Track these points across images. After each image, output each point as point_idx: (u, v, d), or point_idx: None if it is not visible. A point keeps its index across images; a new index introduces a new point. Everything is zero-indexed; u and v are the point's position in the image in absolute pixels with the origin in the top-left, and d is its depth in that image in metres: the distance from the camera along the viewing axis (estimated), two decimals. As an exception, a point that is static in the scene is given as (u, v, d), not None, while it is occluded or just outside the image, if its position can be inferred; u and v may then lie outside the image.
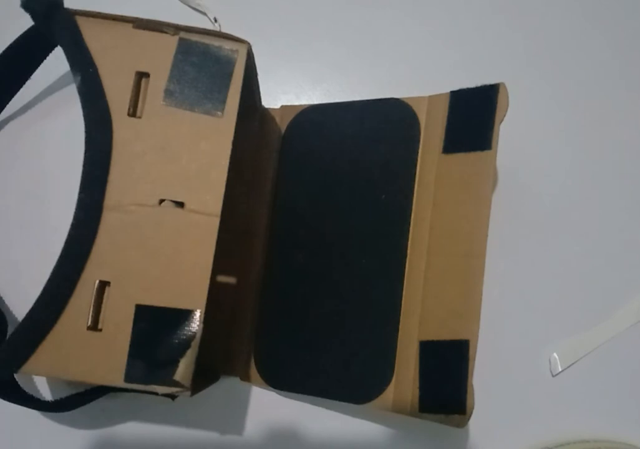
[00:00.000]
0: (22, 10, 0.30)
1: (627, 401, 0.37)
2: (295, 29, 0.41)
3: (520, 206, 0.39)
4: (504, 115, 0.30)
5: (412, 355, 0.31)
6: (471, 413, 0.28)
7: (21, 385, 0.31)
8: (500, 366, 0.36)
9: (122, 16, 0.28)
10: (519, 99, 0.34)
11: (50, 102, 0.39)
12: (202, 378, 0.31)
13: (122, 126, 0.27)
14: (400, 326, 0.32)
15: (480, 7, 0.42)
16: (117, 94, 0.28)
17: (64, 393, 0.33)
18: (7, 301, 0.35)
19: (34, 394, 0.32)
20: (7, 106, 0.37)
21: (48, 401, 0.32)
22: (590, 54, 0.41)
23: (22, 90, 0.37)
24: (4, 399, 0.30)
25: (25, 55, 0.36)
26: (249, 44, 0.29)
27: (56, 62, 0.39)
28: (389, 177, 0.34)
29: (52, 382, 0.35)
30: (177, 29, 0.29)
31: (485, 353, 0.32)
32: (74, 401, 0.32)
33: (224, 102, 0.28)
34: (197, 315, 0.26)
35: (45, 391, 0.35)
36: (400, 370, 0.31)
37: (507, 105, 0.30)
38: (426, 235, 0.32)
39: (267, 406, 0.36)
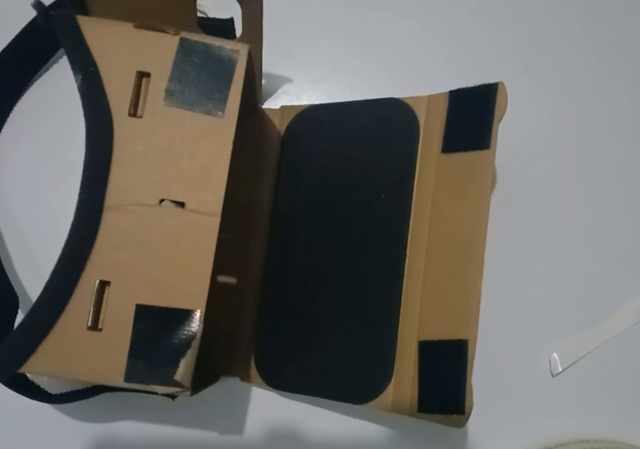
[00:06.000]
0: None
1: (627, 401, 0.37)
2: (295, 29, 0.41)
3: (519, 205, 0.39)
4: (503, 114, 0.30)
5: (412, 355, 0.31)
6: (470, 413, 0.28)
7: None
8: (500, 366, 0.36)
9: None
10: (517, 98, 0.34)
11: (51, 102, 0.39)
12: (202, 378, 0.31)
13: (122, 126, 0.27)
14: (400, 326, 0.32)
15: (479, 7, 0.42)
16: (117, 94, 0.28)
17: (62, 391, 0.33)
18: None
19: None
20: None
21: (56, 394, 0.32)
22: (589, 53, 0.41)
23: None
24: (17, 391, 0.30)
25: (33, 52, 0.36)
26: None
27: (57, 61, 0.40)
28: (388, 176, 0.34)
29: (51, 381, 0.34)
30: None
31: (484, 353, 0.32)
32: (73, 396, 0.32)
33: (224, 102, 0.28)
34: (197, 315, 0.26)
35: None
36: (399, 369, 0.31)
37: (506, 105, 0.30)
38: (425, 234, 0.32)
39: (267, 406, 0.36)
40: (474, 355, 0.28)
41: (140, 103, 0.28)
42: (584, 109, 0.40)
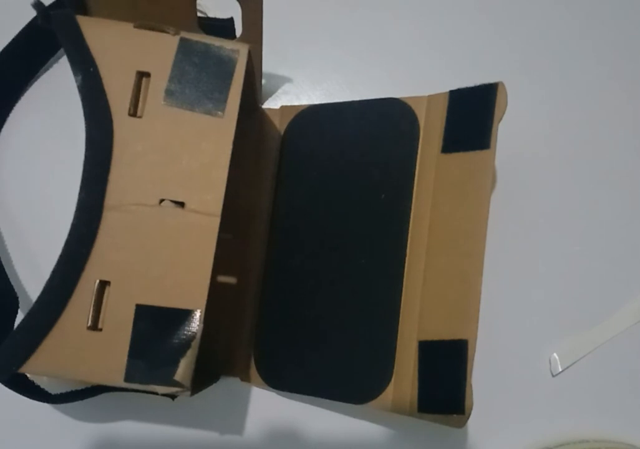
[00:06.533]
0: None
1: (627, 401, 0.37)
2: (295, 29, 0.41)
3: (519, 205, 0.39)
4: (503, 114, 0.30)
5: (412, 355, 0.31)
6: (470, 413, 0.28)
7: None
8: (500, 366, 0.36)
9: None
10: (517, 98, 0.34)
11: (51, 102, 0.39)
12: (202, 378, 0.31)
13: (122, 126, 0.27)
14: (400, 326, 0.32)
15: (479, 7, 0.42)
16: (117, 94, 0.28)
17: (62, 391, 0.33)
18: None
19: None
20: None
21: (56, 394, 0.32)
22: (589, 53, 0.41)
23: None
24: (17, 391, 0.30)
25: (33, 52, 0.36)
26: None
27: (57, 61, 0.40)
28: (388, 176, 0.34)
29: (51, 381, 0.35)
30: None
31: (485, 353, 0.32)
32: (73, 396, 0.32)
33: (224, 102, 0.28)
34: (197, 315, 0.26)
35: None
36: (399, 370, 0.31)
37: (506, 104, 0.30)
38: (425, 234, 0.32)
39: (267, 406, 0.36)
40: (474, 355, 0.28)
41: (140, 103, 0.28)
42: (584, 109, 0.40)
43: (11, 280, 0.34)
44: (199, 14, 0.32)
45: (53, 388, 0.32)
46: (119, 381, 0.26)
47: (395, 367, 0.32)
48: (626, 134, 0.40)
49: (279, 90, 0.40)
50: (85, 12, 0.30)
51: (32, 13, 0.30)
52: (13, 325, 0.32)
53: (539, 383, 0.37)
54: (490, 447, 0.36)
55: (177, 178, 0.27)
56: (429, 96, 0.34)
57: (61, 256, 0.26)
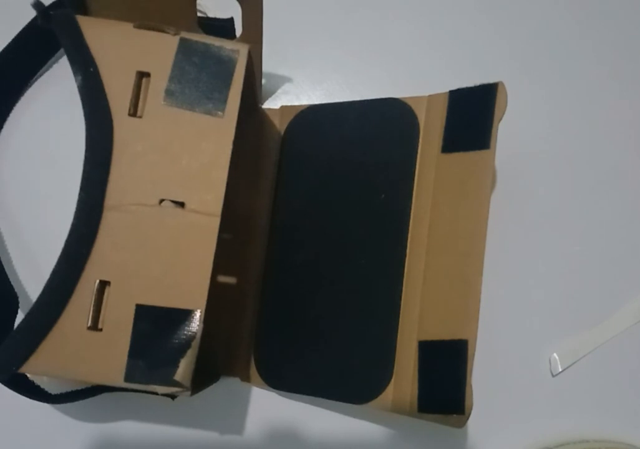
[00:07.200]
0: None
1: (627, 401, 0.37)
2: (295, 29, 0.41)
3: (519, 205, 0.39)
4: (503, 114, 0.30)
5: (412, 355, 0.31)
6: (470, 413, 0.28)
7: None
8: (500, 366, 0.36)
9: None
10: (517, 98, 0.34)
11: (50, 102, 0.39)
12: (202, 378, 0.31)
13: (122, 126, 0.27)
14: (400, 326, 0.32)
15: (479, 7, 0.42)
16: (117, 94, 0.28)
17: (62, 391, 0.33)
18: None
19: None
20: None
21: (56, 394, 0.32)
22: (589, 53, 0.41)
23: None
24: (17, 391, 0.30)
25: (33, 52, 0.36)
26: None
27: (57, 61, 0.40)
28: (388, 176, 0.34)
29: (51, 381, 0.35)
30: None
31: (485, 353, 0.32)
32: (73, 396, 0.32)
33: (224, 102, 0.28)
34: (197, 315, 0.26)
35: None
36: (399, 369, 0.31)
37: (506, 104, 0.30)
38: (425, 234, 0.32)
39: (267, 406, 0.36)
40: (474, 355, 0.28)
41: (140, 103, 0.28)
42: (584, 109, 0.40)
43: (11, 280, 0.34)
44: (199, 14, 0.32)
45: (53, 388, 0.32)
46: (119, 381, 0.26)
47: (395, 367, 0.32)
48: (626, 134, 0.40)
49: (279, 90, 0.40)
50: (85, 12, 0.30)
51: (32, 13, 0.30)
52: (13, 325, 0.32)
53: (539, 383, 0.37)
54: (490, 447, 0.36)
55: (177, 178, 0.27)
56: (429, 96, 0.34)
57: (61, 256, 0.26)
